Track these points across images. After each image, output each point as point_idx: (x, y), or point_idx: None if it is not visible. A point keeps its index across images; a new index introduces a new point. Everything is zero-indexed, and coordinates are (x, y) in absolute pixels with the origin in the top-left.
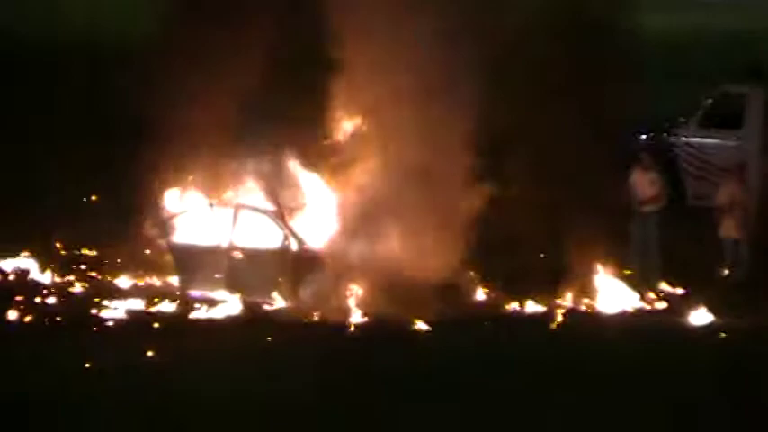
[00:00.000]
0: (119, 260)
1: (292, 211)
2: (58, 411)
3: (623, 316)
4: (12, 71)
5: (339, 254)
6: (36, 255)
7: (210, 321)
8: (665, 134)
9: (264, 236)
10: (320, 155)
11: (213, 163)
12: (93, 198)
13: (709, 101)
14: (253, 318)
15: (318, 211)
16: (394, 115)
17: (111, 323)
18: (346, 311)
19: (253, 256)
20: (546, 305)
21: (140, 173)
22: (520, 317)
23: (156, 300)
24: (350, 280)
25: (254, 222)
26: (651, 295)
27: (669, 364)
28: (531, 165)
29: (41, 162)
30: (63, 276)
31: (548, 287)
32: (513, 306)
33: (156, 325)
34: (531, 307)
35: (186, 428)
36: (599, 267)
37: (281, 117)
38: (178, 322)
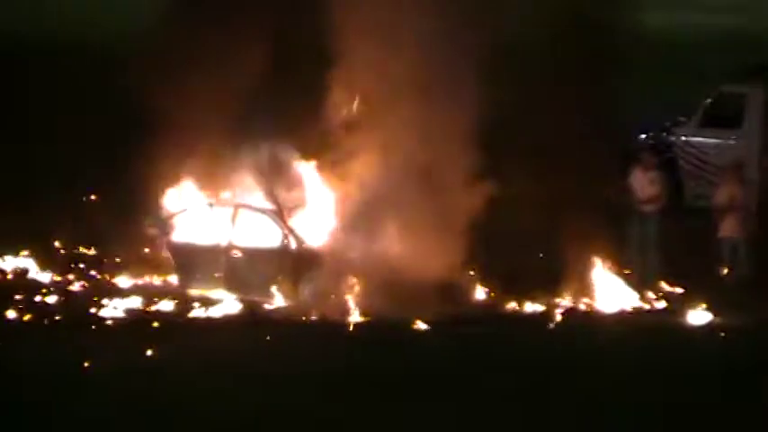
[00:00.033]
0: (118, 259)
1: (291, 210)
2: (56, 411)
3: (622, 315)
4: (11, 71)
5: (338, 253)
6: (35, 254)
7: (210, 321)
8: (664, 133)
9: (264, 235)
10: (320, 153)
11: (213, 162)
12: (93, 197)
13: (709, 100)
14: (252, 317)
15: (318, 210)
16: (394, 114)
17: (110, 322)
18: (345, 311)
19: (252, 255)
20: (545, 305)
21: (140, 172)
22: (519, 316)
23: (155, 299)
24: (349, 279)
25: (254, 221)
26: (650, 295)
27: (668, 363)
28: (531, 163)
29: (41, 161)
30: (62, 275)
31: (547, 286)
32: (513, 305)
33: (156, 324)
34: (530, 306)
35: (184, 427)
36: (598, 267)
37: (280, 115)
38: (177, 321)
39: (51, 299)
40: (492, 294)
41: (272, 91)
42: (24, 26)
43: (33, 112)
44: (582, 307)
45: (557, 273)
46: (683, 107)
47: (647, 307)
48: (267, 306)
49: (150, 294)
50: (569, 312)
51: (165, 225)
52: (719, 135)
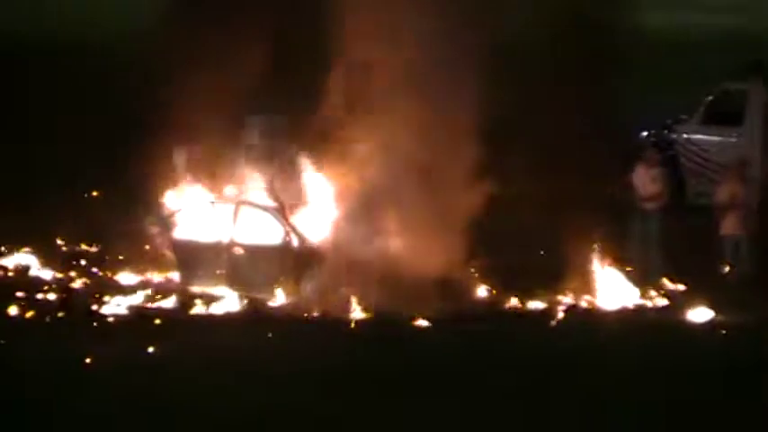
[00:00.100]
0: (120, 256)
1: (293, 207)
2: (58, 408)
3: (624, 313)
4: (11, 71)
5: (340, 250)
6: (37, 250)
7: (211, 318)
8: (665, 131)
9: (266, 232)
10: (321, 150)
11: (214, 159)
12: (95, 194)
13: (710, 98)
14: (254, 314)
15: (319, 207)
16: (395, 113)
17: (112, 319)
18: (347, 308)
19: (254, 252)
20: (547, 302)
21: (142, 169)
22: (520, 313)
23: (157, 296)
24: (351, 276)
25: (256, 218)
26: (652, 292)
27: (669, 360)
28: (532, 161)
29: (42, 158)
30: (64, 272)
31: (548, 284)
32: (514, 302)
33: (157, 321)
34: (532, 303)
35: (185, 425)
36: (600, 264)
37: (281, 113)
38: (179, 319)
39: (53, 295)
40: (493, 291)
41: (273, 88)
42: (24, 26)
43: (34, 111)
44: (583, 304)
45: (558, 270)
46: (683, 107)
47: (648, 304)
48: (269, 303)
49: (152, 291)
50: (571, 310)
51: (166, 222)
52: (721, 132)
